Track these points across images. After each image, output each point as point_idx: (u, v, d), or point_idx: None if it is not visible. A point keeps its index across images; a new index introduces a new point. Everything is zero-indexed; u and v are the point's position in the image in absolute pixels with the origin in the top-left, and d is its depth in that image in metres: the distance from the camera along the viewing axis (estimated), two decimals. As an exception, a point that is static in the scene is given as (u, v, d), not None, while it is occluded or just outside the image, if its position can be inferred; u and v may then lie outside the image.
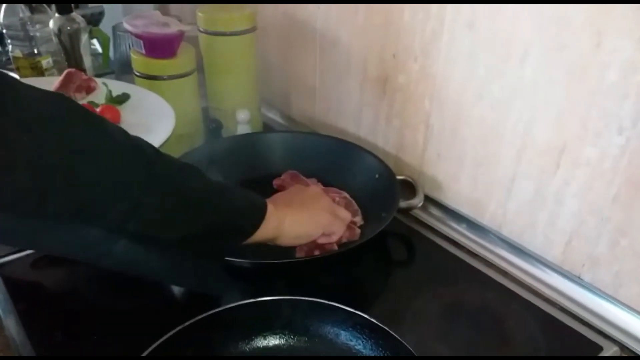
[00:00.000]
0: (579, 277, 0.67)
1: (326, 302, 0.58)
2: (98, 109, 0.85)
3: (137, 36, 0.87)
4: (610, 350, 0.60)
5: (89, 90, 0.94)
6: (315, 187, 0.79)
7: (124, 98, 0.91)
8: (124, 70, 1.11)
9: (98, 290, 0.70)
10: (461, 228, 0.80)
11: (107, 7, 1.31)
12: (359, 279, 0.73)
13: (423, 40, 0.76)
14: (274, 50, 1.07)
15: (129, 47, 0.97)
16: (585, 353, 0.60)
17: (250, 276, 0.70)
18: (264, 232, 0.60)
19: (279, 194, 0.72)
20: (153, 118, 0.83)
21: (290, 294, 0.58)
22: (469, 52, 0.70)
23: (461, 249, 0.77)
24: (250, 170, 0.89)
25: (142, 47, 0.87)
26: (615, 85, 0.57)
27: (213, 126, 0.97)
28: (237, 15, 0.94)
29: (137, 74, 0.91)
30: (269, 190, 0.87)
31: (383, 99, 0.86)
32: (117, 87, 0.93)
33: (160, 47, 0.87)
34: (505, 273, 0.72)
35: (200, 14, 0.95)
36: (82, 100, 0.91)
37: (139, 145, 0.51)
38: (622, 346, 0.61)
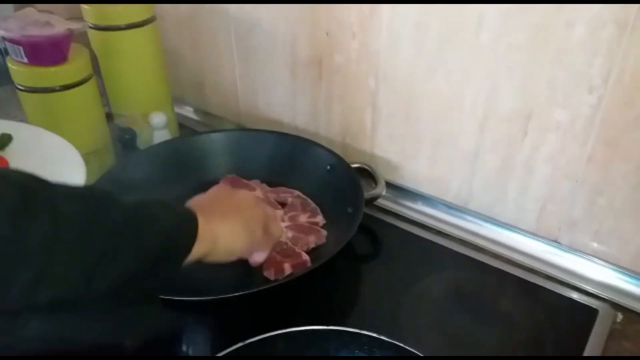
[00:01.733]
0: (556, 241, 0.67)
1: (325, 327, 0.51)
2: None
3: (14, 42, 0.70)
4: (606, 312, 0.59)
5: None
6: (246, 192, 0.68)
7: (5, 141, 0.69)
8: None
9: None
10: (424, 208, 0.76)
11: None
12: (332, 286, 0.66)
13: (361, 14, 0.69)
14: (179, 39, 0.94)
15: (1, 54, 0.79)
16: (582, 318, 0.59)
17: (211, 314, 0.60)
18: (197, 250, 0.47)
19: (199, 197, 0.57)
20: (52, 164, 0.64)
21: (269, 326, 0.50)
22: (415, 23, 0.65)
23: (429, 231, 0.73)
24: (181, 182, 0.77)
25: (23, 55, 0.71)
26: (582, 43, 0.55)
27: (126, 137, 0.83)
28: (132, 5, 0.80)
29: (21, 87, 0.74)
30: (210, 202, 0.77)
31: (319, 82, 0.78)
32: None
33: (46, 52, 0.72)
34: (480, 248, 0.70)
35: (85, 7, 0.80)
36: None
37: (26, 185, 0.36)
38: (614, 304, 0.61)
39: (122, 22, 0.80)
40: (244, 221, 0.54)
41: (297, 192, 0.75)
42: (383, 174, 0.76)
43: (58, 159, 0.65)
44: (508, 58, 0.60)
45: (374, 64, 0.71)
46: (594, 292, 0.62)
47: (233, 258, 0.53)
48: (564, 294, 0.62)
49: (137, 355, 0.53)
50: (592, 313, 0.60)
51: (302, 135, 0.80)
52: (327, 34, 0.74)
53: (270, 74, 0.84)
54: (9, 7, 1.01)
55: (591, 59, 0.55)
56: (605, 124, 0.57)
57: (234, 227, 0.52)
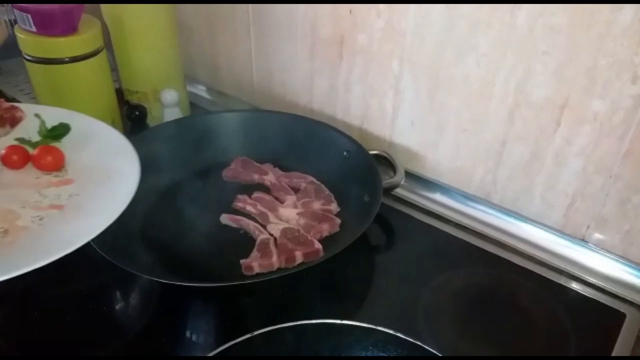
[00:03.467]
0: (582, 240, 0.63)
1: (337, 321, 0.48)
2: (35, 151, 0.61)
3: (23, 9, 0.67)
4: (634, 316, 0.56)
5: (14, 121, 0.66)
6: None
7: (62, 130, 0.65)
8: (5, 53, 0.89)
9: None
10: (443, 199, 0.72)
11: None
12: (344, 277, 0.63)
13: (387, -9, 0.65)
14: (194, 14, 0.90)
15: (11, 24, 0.76)
16: (609, 322, 0.56)
17: (218, 303, 0.58)
18: None
19: None
20: (107, 156, 0.62)
21: (280, 317, 0.47)
22: (445, 2, 0.61)
23: (448, 223, 0.70)
24: (192, 163, 0.75)
25: (31, 24, 0.68)
26: (628, 28, 0.50)
27: (135, 114, 0.80)
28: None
29: (28, 57, 0.72)
30: (220, 183, 0.74)
31: (339, 63, 0.75)
32: (47, 113, 0.65)
33: (55, 21, 0.69)
34: (502, 244, 0.66)
35: (99, -23, 0.76)
36: (6, 136, 0.64)
37: None
38: (643, 309, 0.57)
39: (136, -7, 0.76)
40: None
41: (310, 178, 0.72)
42: (403, 163, 0.72)
43: (112, 152, 0.62)
44: (545, 42, 0.56)
45: (399, 45, 0.67)
46: (621, 295, 0.59)
47: None
48: (589, 296, 0.59)
49: (137, 355, 0.50)
50: (619, 317, 0.56)
51: (318, 118, 0.77)
52: (350, 11, 0.70)
53: (287, 53, 0.80)
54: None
55: (636, 46, 0.51)
56: (647, 117, 0.53)
57: None
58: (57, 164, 0.61)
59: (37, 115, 0.64)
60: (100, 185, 0.57)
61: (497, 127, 0.63)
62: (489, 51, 0.60)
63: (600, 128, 0.56)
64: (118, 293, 0.60)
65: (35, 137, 0.63)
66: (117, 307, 0.59)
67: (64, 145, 0.63)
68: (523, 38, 0.57)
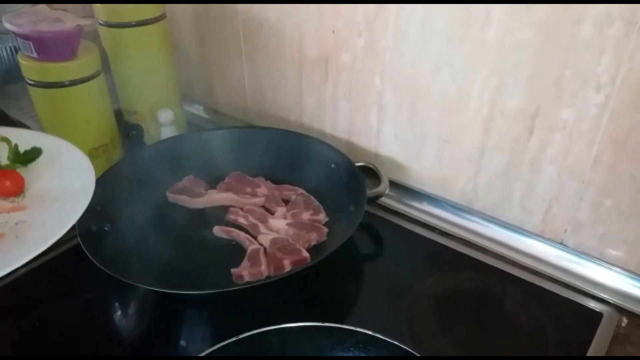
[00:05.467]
0: (561, 243, 0.65)
1: (319, 324, 0.50)
2: None
3: (25, 37, 0.71)
4: (610, 316, 0.58)
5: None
6: None
7: (33, 155, 0.65)
8: (9, 78, 0.93)
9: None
10: (428, 208, 0.75)
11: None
12: (333, 284, 0.65)
13: (367, 12, 0.69)
14: (189, 37, 0.94)
15: (13, 52, 0.80)
16: (586, 322, 0.58)
17: (207, 308, 0.61)
18: None
19: None
20: (66, 179, 0.62)
21: (265, 322, 0.50)
22: (421, 21, 0.64)
23: (433, 231, 0.72)
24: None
25: (33, 50, 0.72)
26: (590, 41, 0.54)
27: (133, 133, 0.84)
28: (142, 2, 0.81)
29: (30, 82, 0.75)
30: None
31: (326, 80, 0.78)
32: (19, 137, 0.66)
33: (55, 47, 0.72)
34: (484, 250, 0.69)
35: (97, 5, 0.81)
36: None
37: None
38: (619, 308, 0.59)
39: (133, 19, 0.80)
40: None
41: (300, 190, 0.75)
42: (389, 173, 0.75)
43: (72, 174, 0.62)
44: (514, 56, 0.59)
45: (380, 62, 0.71)
46: (599, 296, 0.61)
47: None
48: (568, 297, 0.61)
49: (137, 356, 0.53)
50: (596, 317, 0.58)
51: (308, 133, 0.80)
52: (333, 32, 0.73)
53: (277, 72, 0.84)
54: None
55: (598, 57, 0.54)
56: (612, 124, 0.56)
57: None
58: (15, 190, 0.61)
59: (5, 139, 0.64)
60: (49, 211, 0.57)
61: (474, 137, 0.66)
62: (463, 66, 0.63)
63: (570, 136, 0.59)
64: (116, 303, 0.63)
65: (5, 161, 0.64)
66: (115, 315, 0.62)
67: (28, 168, 0.64)
68: (494, 53, 0.60)
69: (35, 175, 0.63)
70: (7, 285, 0.63)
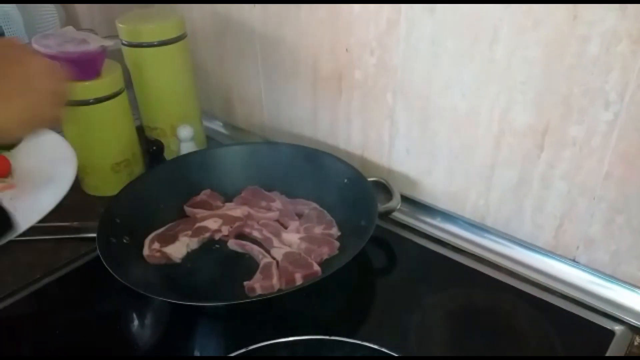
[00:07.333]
0: (573, 260, 0.65)
1: (328, 337, 0.51)
2: None
3: (52, 57, 0.75)
4: (623, 334, 0.57)
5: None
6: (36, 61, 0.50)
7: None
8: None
9: None
10: (441, 224, 0.75)
11: (5, 28, 1.15)
12: (344, 298, 0.66)
13: (378, 31, 0.70)
14: (208, 56, 0.97)
15: (42, 71, 0.84)
16: (598, 340, 0.58)
17: (218, 320, 0.62)
18: None
19: None
20: (50, 164, 0.70)
21: (276, 334, 0.51)
22: (431, 39, 0.65)
23: (445, 246, 0.73)
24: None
25: (60, 70, 0.75)
26: (597, 58, 0.54)
27: (153, 149, 0.87)
28: (164, 23, 0.84)
29: (57, 100, 0.79)
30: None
31: (339, 97, 0.80)
32: None
33: (81, 67, 0.76)
34: (496, 266, 0.69)
35: (120, 25, 0.84)
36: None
37: None
38: (632, 327, 0.59)
39: (155, 39, 0.84)
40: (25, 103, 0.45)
41: (314, 205, 0.77)
42: (401, 189, 0.76)
43: (57, 159, 0.71)
44: (522, 73, 0.60)
45: (392, 79, 0.72)
46: (611, 314, 0.60)
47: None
48: (580, 315, 0.61)
49: (137, 356, 0.54)
50: (608, 335, 0.58)
51: (323, 148, 0.82)
52: (346, 50, 0.75)
53: (293, 89, 0.86)
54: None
55: (606, 74, 0.54)
56: (622, 141, 0.56)
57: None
58: (2, 172, 0.70)
59: None
60: (38, 188, 0.66)
61: (485, 153, 0.67)
62: (472, 83, 0.64)
63: (580, 152, 0.59)
64: (132, 313, 0.65)
65: None
66: (131, 325, 0.64)
67: (13, 153, 0.73)
68: (502, 70, 0.61)
69: (19, 159, 0.73)
70: (30, 295, 0.66)
